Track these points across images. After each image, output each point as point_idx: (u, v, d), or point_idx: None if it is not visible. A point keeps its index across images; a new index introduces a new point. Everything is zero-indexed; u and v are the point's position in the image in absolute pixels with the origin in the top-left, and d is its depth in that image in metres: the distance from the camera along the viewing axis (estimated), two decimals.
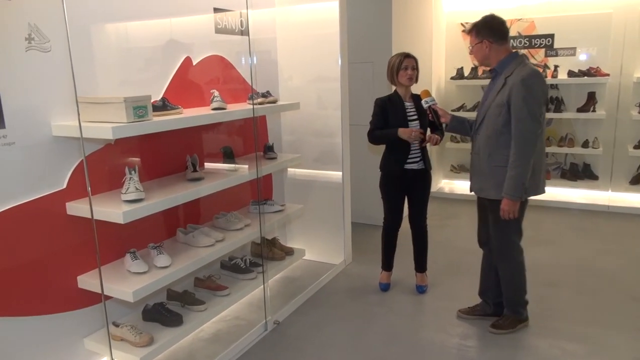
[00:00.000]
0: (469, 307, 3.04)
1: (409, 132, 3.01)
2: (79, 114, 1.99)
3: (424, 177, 3.22)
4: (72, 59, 1.92)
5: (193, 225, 2.90)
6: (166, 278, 2.35)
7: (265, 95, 3.19)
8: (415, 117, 3.11)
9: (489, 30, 2.56)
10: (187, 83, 2.89)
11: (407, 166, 3.17)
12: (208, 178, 2.73)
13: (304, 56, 3.74)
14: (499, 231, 2.71)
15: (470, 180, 2.79)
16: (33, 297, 2.14)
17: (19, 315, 2.09)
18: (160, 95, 2.71)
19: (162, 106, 2.44)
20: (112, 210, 2.13)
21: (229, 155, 3.01)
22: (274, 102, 3.20)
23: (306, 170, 3.90)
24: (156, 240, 2.75)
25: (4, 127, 2.00)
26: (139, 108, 2.16)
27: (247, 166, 2.99)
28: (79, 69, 2.26)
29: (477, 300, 3.07)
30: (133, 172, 2.32)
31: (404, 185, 3.24)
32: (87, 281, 2.30)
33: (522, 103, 2.42)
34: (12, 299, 2.06)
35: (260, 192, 3.19)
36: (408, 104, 3.13)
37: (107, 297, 2.30)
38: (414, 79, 3.10)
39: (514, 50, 2.62)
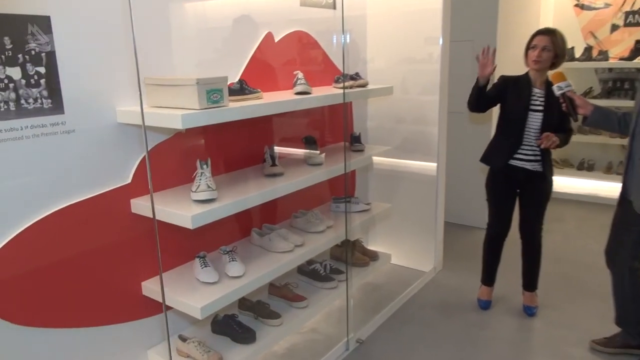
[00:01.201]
0: (605, 338, 2.48)
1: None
2: (141, 99, 1.67)
3: (539, 181, 2.66)
4: (134, 34, 1.59)
5: (269, 226, 2.55)
6: (238, 290, 2.02)
7: (355, 77, 2.76)
8: (541, 108, 2.55)
9: None
10: (267, 63, 2.53)
11: (515, 162, 2.63)
12: (288, 173, 2.37)
13: (396, 34, 3.26)
14: None
15: (630, 192, 2.21)
16: (94, 306, 1.89)
17: (78, 326, 1.85)
18: (238, 77, 2.36)
19: (240, 90, 2.08)
20: (180, 212, 1.81)
21: (312, 147, 2.62)
22: (364, 85, 2.77)
23: (393, 161, 3.43)
24: (228, 240, 2.44)
25: (63, 112, 1.73)
26: (213, 92, 1.81)
27: (324, 158, 2.59)
28: (152, 49, 1.95)
29: (605, 328, 2.50)
30: (205, 166, 1.99)
31: (514, 186, 2.71)
32: (152, 289, 2.02)
33: None
34: (72, 309, 1.82)
35: (347, 189, 2.78)
36: (537, 91, 2.57)
37: (170, 307, 2.01)
38: (545, 63, 2.52)
39: None
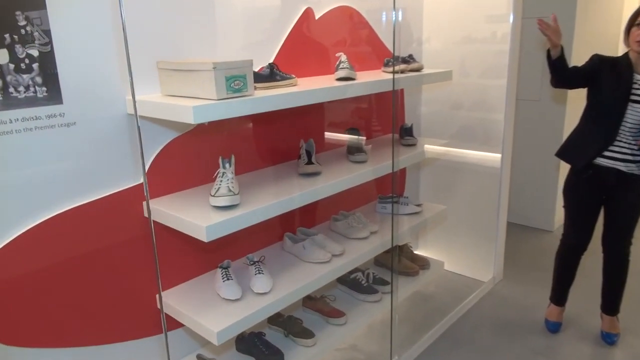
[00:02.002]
0: None
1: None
2: (132, 86, 1.41)
3: (633, 186, 2.20)
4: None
5: (304, 230, 2.25)
6: (264, 310, 1.74)
7: (407, 60, 2.37)
8: None
9: None
10: (306, 43, 2.19)
11: (604, 162, 2.19)
12: (327, 172, 2.04)
13: (456, 11, 2.84)
14: None
15: None
16: (102, 322, 1.67)
17: (89, 344, 1.63)
18: (271, 59, 2.05)
19: (270, 75, 1.77)
20: (193, 220, 1.53)
21: (356, 141, 2.28)
22: (418, 69, 2.38)
23: (449, 150, 3.03)
24: (257, 245, 2.16)
25: (61, 102, 1.48)
26: (234, 79, 1.51)
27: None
28: (169, 27, 1.66)
29: None
30: (228, 164, 1.71)
31: (601, 190, 2.27)
32: (168, 303, 1.77)
33: None
34: (76, 326, 1.60)
35: (394, 190, 2.43)
36: (639, 77, 2.10)
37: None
38: None
39: None
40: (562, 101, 3.53)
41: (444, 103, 3.02)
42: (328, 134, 2.42)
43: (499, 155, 2.85)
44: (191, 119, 1.39)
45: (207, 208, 1.64)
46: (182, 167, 1.82)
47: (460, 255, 3.09)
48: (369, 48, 2.55)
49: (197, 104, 1.41)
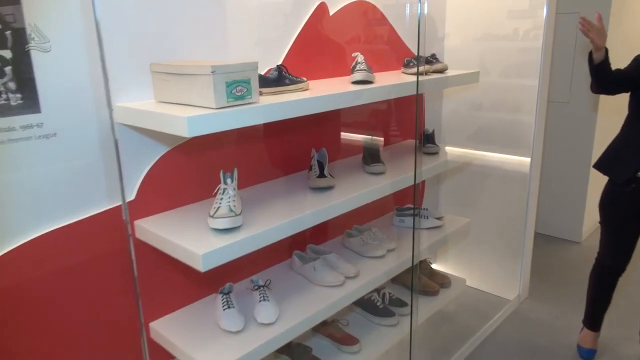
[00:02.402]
0: None
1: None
2: (107, 89, 1.21)
3: None
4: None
5: (315, 247, 2.05)
6: (269, 344, 1.55)
7: (430, 60, 2.16)
8: None
9: None
10: (319, 42, 1.99)
11: None
12: (341, 185, 1.84)
13: (479, 5, 2.62)
14: None
15: None
16: (93, 356, 1.49)
17: None
18: (280, 61, 1.84)
19: (278, 79, 1.57)
20: (188, 246, 1.34)
21: (372, 150, 2.07)
22: (442, 70, 2.16)
23: (471, 153, 2.82)
24: (263, 264, 1.97)
25: (39, 110, 1.29)
26: (236, 84, 1.31)
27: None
28: (168, 25, 1.47)
29: None
30: (229, 179, 1.51)
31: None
32: (161, 334, 1.59)
33: None
34: None
35: (415, 200, 2.23)
36: None
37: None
38: None
39: None
40: (593, 104, 3.28)
41: (465, 104, 2.80)
42: (342, 138, 2.21)
43: (525, 160, 2.62)
44: (185, 132, 1.20)
45: (205, 230, 1.45)
46: (180, 182, 1.63)
47: (482, 270, 2.87)
48: (388, 47, 2.34)
49: (192, 113, 1.22)
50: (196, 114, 1.21)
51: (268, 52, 1.80)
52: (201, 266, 1.30)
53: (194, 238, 1.39)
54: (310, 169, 1.87)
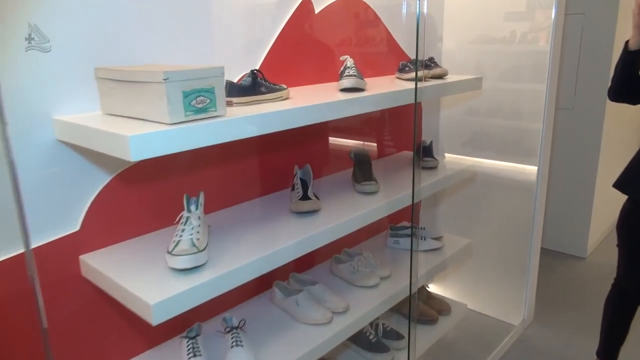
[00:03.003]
0: None
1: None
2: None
3: None
4: None
5: (298, 276, 1.81)
6: None
7: (428, 65, 1.93)
8: None
9: None
10: (302, 43, 1.75)
11: None
12: (327, 206, 1.60)
13: (476, 5, 2.41)
14: None
15: None
16: None
17: None
18: (257, 65, 1.60)
19: (252, 87, 1.33)
20: (137, 292, 1.09)
21: (363, 165, 1.84)
22: (441, 75, 1.94)
23: (470, 160, 2.59)
24: (239, 297, 1.72)
25: None
26: (196, 94, 1.07)
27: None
28: (121, 23, 1.22)
29: None
30: (194, 206, 1.27)
31: None
32: None
33: None
34: None
35: (414, 219, 2.00)
36: None
37: None
38: None
39: None
40: (600, 111, 3.07)
41: (461, 109, 2.58)
42: (330, 148, 1.98)
43: (530, 169, 2.40)
44: (128, 154, 0.95)
45: (162, 268, 1.20)
46: (135, 207, 1.38)
47: (484, 291, 2.65)
48: (381, 49, 2.11)
49: (139, 130, 0.97)
50: (143, 132, 0.96)
51: (242, 55, 1.56)
52: (152, 319, 1.05)
53: (146, 280, 1.14)
54: (293, 188, 1.63)
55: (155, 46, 1.32)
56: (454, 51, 2.55)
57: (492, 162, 2.54)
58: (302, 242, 1.39)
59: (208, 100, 1.09)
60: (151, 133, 0.97)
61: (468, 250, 2.24)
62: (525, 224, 2.46)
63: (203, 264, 1.21)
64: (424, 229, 2.22)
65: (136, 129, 0.99)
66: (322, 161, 1.95)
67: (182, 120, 1.05)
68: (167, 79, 1.01)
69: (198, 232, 1.24)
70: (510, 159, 2.49)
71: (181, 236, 1.22)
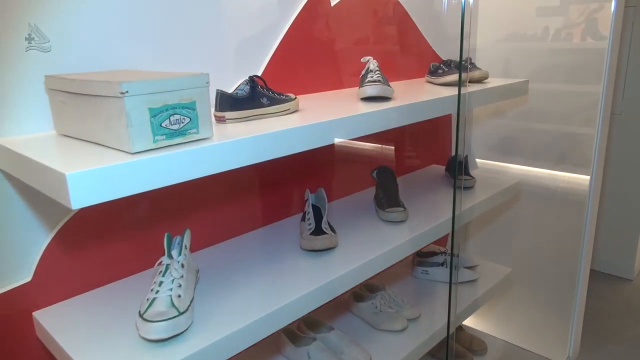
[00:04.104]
0: None
1: None
2: None
3: None
4: None
5: (310, 318, 1.52)
6: None
7: (465, 66, 1.62)
8: None
9: None
10: (315, 42, 1.46)
11: None
12: (346, 242, 1.31)
13: (502, 3, 2.12)
14: None
15: None
16: None
17: None
18: (259, 71, 1.32)
19: (250, 98, 1.04)
20: None
21: (388, 185, 1.54)
22: (481, 79, 1.63)
23: (502, 167, 2.28)
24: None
25: None
26: (169, 111, 0.78)
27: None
28: (91, 21, 0.95)
29: None
30: (176, 250, 0.99)
31: None
32: None
33: None
34: None
35: (453, 250, 1.71)
36: None
37: None
38: None
39: None
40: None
41: (488, 110, 2.27)
42: (346, 161, 1.69)
43: (578, 180, 2.07)
44: (66, 199, 0.68)
45: (131, 335, 0.92)
46: (103, 249, 1.11)
47: (522, 321, 2.33)
48: (407, 48, 1.81)
49: (84, 165, 0.69)
50: (90, 168, 0.68)
51: (241, 59, 1.27)
52: None
53: (109, 353, 0.87)
54: (303, 218, 1.34)
55: (137, 49, 1.05)
56: (482, 50, 2.25)
57: (527, 168, 2.23)
58: (316, 292, 1.10)
59: (187, 120, 0.81)
60: (102, 169, 0.70)
61: (508, 281, 1.93)
62: (570, 242, 2.14)
63: (185, 330, 0.93)
64: (457, 256, 1.91)
65: (84, 161, 0.72)
66: (337, 178, 1.66)
67: (149, 148, 0.77)
68: (127, 92, 0.73)
69: (180, 286, 0.96)
70: (548, 165, 2.16)
71: (157, 292, 0.94)
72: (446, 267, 1.84)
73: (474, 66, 1.64)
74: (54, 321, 0.97)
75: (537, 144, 2.19)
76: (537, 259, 2.24)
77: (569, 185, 2.13)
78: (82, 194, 0.68)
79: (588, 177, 2.04)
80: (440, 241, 2.16)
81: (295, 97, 1.14)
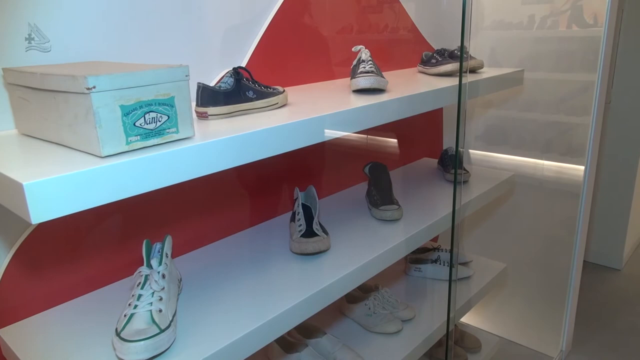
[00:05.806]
0: None
1: None
2: None
3: None
4: None
5: (302, 324, 1.45)
6: None
7: (458, 55, 1.55)
8: None
9: None
10: (302, 30, 1.37)
11: None
12: (339, 243, 1.24)
13: None
14: None
15: None
16: None
17: None
18: (243, 62, 1.22)
19: (235, 91, 0.95)
20: None
21: (381, 182, 1.47)
22: (476, 69, 1.56)
23: (494, 158, 2.23)
24: None
25: None
26: (144, 109, 0.69)
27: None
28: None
29: None
30: (156, 260, 0.90)
31: None
32: None
33: None
34: None
35: (453, 248, 1.65)
36: None
37: None
38: None
39: None
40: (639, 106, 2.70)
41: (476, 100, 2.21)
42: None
43: (567, 170, 2.02)
44: (26, 213, 0.58)
45: (108, 354, 0.84)
46: (75, 256, 1.01)
47: (514, 316, 2.29)
48: (399, 36, 1.73)
49: (45, 173, 0.60)
50: (52, 177, 0.59)
51: (223, 49, 1.18)
52: None
53: None
54: (293, 218, 1.26)
55: (114, 41, 0.94)
56: (486, 38, 2.18)
57: (515, 157, 2.18)
58: (309, 299, 1.02)
59: (164, 118, 0.72)
60: (67, 176, 0.60)
61: (503, 276, 1.88)
62: (563, 234, 2.10)
63: (167, 349, 0.84)
64: (445, 251, 1.86)
65: (46, 167, 0.62)
66: (327, 174, 1.58)
67: (122, 151, 0.68)
68: (94, 87, 0.63)
69: (161, 300, 0.87)
70: (536, 155, 2.12)
71: (136, 306, 0.86)
72: (440, 264, 1.79)
73: (469, 55, 1.57)
74: (20, 340, 0.88)
75: (524, 133, 2.14)
76: (529, 253, 2.20)
77: (558, 175, 2.09)
78: (43, 207, 0.59)
79: (576, 167, 1.99)
80: (433, 237, 2.10)
81: (284, 90, 1.05)
